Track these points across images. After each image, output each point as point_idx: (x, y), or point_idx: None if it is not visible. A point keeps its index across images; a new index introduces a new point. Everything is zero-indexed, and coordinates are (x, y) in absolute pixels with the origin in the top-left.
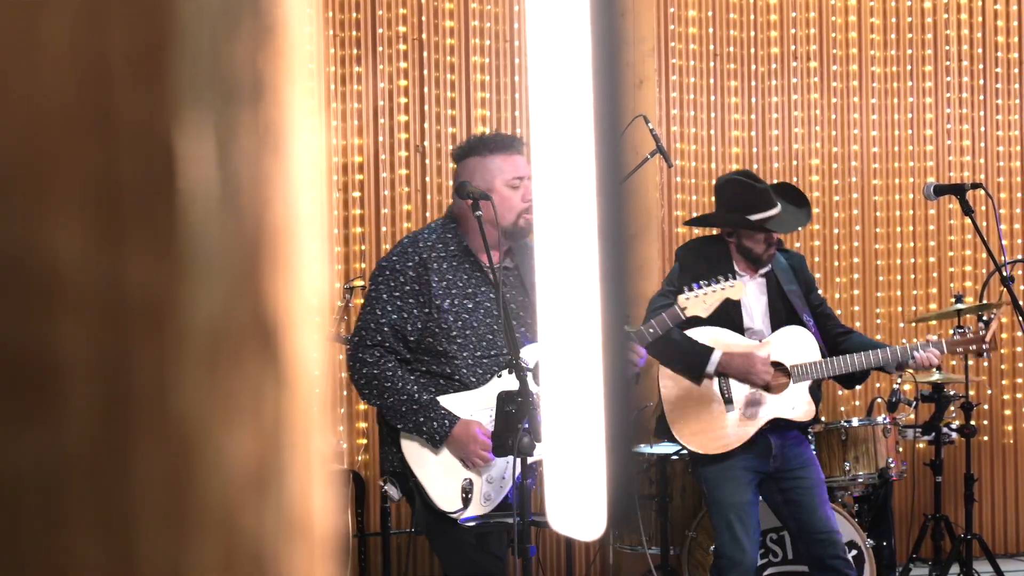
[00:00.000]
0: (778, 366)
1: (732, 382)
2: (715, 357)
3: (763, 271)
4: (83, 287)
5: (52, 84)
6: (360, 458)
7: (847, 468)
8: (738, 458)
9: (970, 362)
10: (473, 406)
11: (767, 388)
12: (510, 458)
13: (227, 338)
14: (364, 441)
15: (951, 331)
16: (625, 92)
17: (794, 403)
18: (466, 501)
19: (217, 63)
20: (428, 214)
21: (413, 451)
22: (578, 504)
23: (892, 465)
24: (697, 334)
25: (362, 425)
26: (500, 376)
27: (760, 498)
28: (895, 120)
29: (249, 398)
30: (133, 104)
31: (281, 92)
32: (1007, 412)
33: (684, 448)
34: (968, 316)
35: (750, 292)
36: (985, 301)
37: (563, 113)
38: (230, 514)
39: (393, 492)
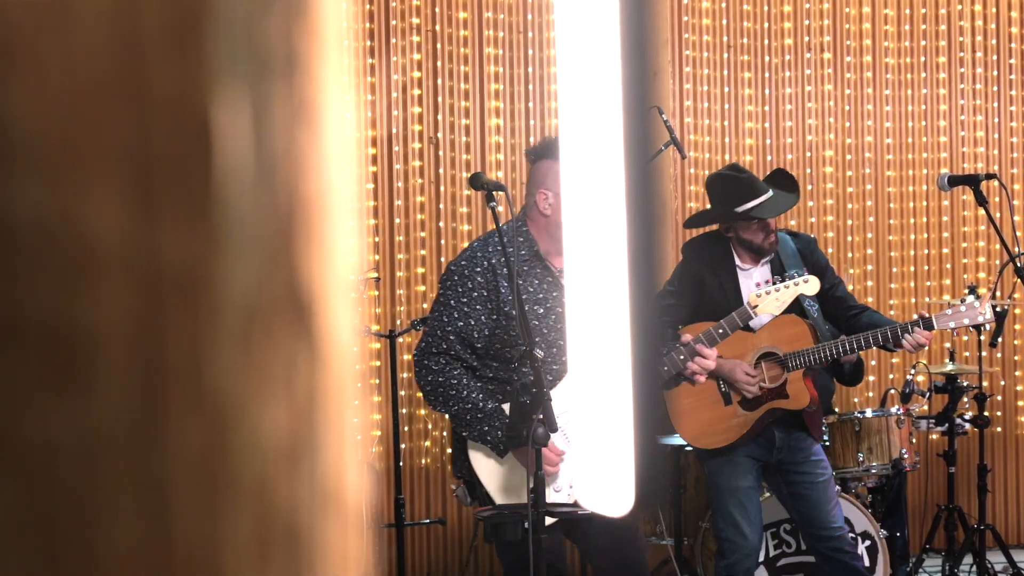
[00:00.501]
0: (771, 356)
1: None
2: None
3: (766, 259)
4: (119, 259)
5: (87, 55)
6: (374, 450)
7: (860, 459)
8: (741, 448)
9: (983, 353)
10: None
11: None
12: (574, 466)
13: (261, 311)
14: (378, 433)
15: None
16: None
17: (792, 393)
18: None
19: (251, 36)
20: (441, 206)
21: (480, 460)
22: (607, 481)
23: (905, 456)
24: (694, 329)
25: (376, 417)
26: (563, 384)
27: (766, 489)
28: (909, 112)
29: (283, 371)
30: (168, 75)
31: (315, 67)
32: (1020, 403)
33: (690, 446)
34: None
35: (753, 281)
36: (999, 292)
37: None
38: (264, 487)
39: (463, 495)
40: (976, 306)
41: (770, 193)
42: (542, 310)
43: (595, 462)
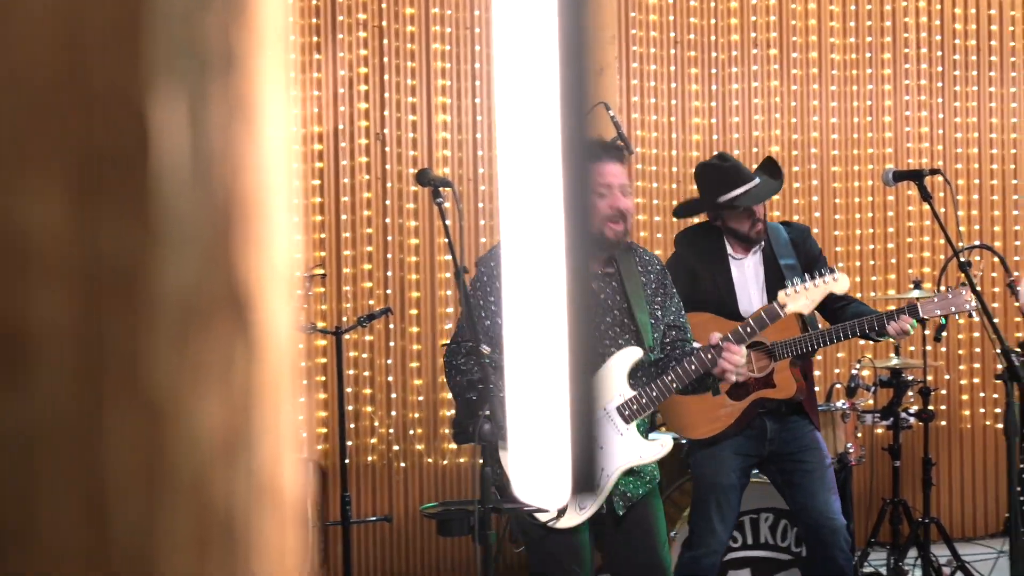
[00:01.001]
0: (759, 346)
1: None
2: None
3: (756, 248)
4: (58, 254)
5: (28, 52)
6: (320, 448)
7: None
8: (729, 441)
9: (928, 348)
10: None
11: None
12: (603, 468)
13: (199, 307)
14: (324, 430)
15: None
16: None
17: (778, 382)
18: (561, 510)
19: (190, 34)
20: (388, 202)
21: (509, 463)
22: (542, 474)
23: (851, 450)
24: (694, 319)
25: (322, 414)
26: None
27: (744, 483)
28: (854, 107)
29: (220, 367)
30: (108, 72)
31: (253, 64)
32: (964, 397)
33: (680, 438)
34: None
35: (746, 271)
36: (943, 287)
37: (529, 102)
38: (201, 480)
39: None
40: (963, 294)
41: (756, 181)
42: None
43: (531, 454)
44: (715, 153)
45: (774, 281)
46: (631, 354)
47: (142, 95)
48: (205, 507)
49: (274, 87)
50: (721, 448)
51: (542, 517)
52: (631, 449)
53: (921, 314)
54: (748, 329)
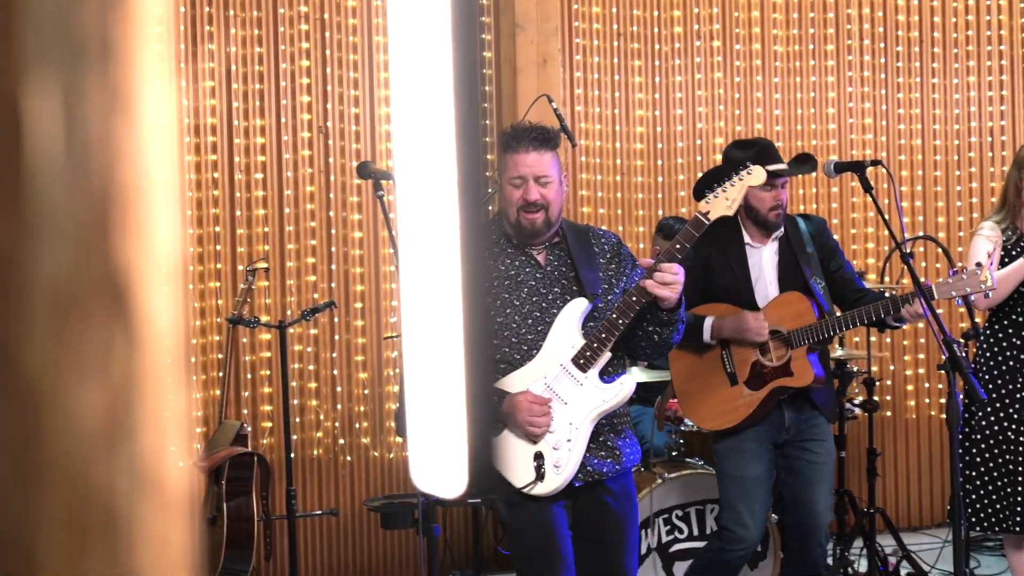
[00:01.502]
0: (776, 334)
1: (734, 356)
2: (707, 324)
3: (774, 237)
4: None
5: None
6: (265, 441)
7: None
8: (751, 431)
9: (872, 338)
10: (527, 379)
11: (763, 351)
12: (571, 422)
13: (75, 296)
14: (269, 424)
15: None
16: (528, 71)
17: (796, 370)
18: (540, 473)
19: (64, 24)
20: (331, 195)
21: None
22: (440, 464)
23: None
24: (704, 310)
25: (267, 408)
26: (543, 348)
27: (772, 473)
28: (798, 99)
29: (98, 356)
30: None
31: (131, 54)
32: (909, 387)
33: (700, 428)
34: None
35: (763, 259)
36: (887, 278)
37: (425, 101)
38: (79, 470)
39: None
40: (977, 273)
41: (783, 165)
42: (512, 284)
43: (429, 446)
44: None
45: (791, 270)
46: (577, 305)
47: (13, 84)
48: (84, 497)
49: (153, 77)
50: (743, 439)
51: (518, 484)
52: (593, 395)
53: (937, 295)
54: (678, 246)
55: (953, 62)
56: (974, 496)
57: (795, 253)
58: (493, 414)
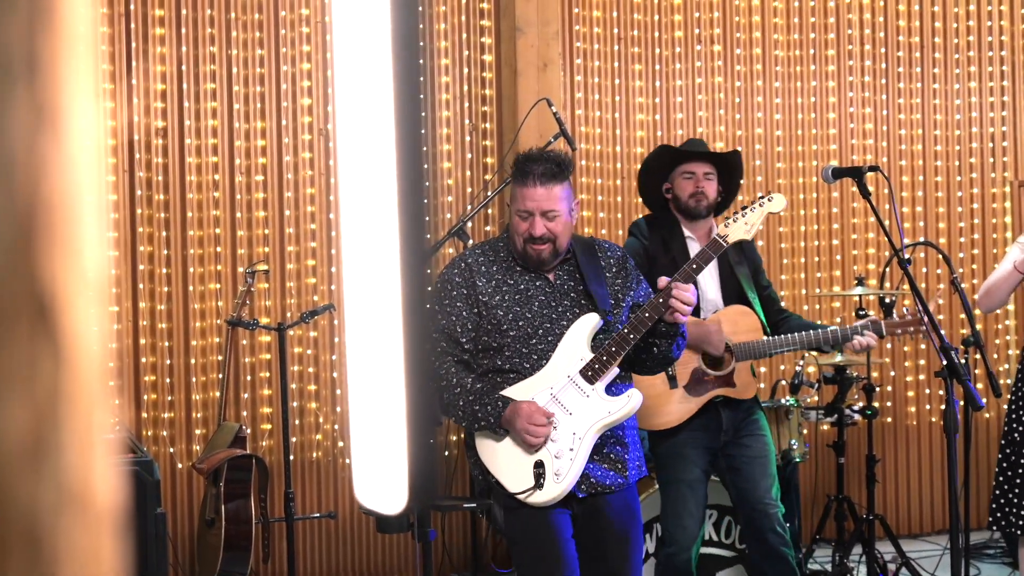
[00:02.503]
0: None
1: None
2: None
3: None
4: None
5: None
6: (264, 444)
7: None
8: (686, 434)
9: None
10: (533, 389)
11: (714, 365)
12: (575, 432)
13: (0, 312)
14: (268, 426)
15: (885, 315)
16: (529, 75)
17: (739, 383)
18: (539, 482)
19: None
20: (332, 197)
21: (485, 448)
22: (383, 480)
23: (795, 446)
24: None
25: (266, 410)
26: (552, 359)
27: (708, 475)
28: (798, 104)
29: (23, 372)
30: None
31: (57, 70)
32: (909, 394)
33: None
34: (872, 298)
35: (703, 271)
36: (887, 284)
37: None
38: (2, 487)
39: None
40: (918, 316)
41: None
42: (521, 298)
43: (370, 461)
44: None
45: (730, 283)
46: (588, 320)
47: None
48: (7, 515)
49: (82, 93)
50: (680, 443)
51: (515, 490)
52: (598, 407)
53: (884, 333)
54: (694, 266)
55: (954, 68)
56: (1011, 497)
57: (732, 268)
58: (433, 431)
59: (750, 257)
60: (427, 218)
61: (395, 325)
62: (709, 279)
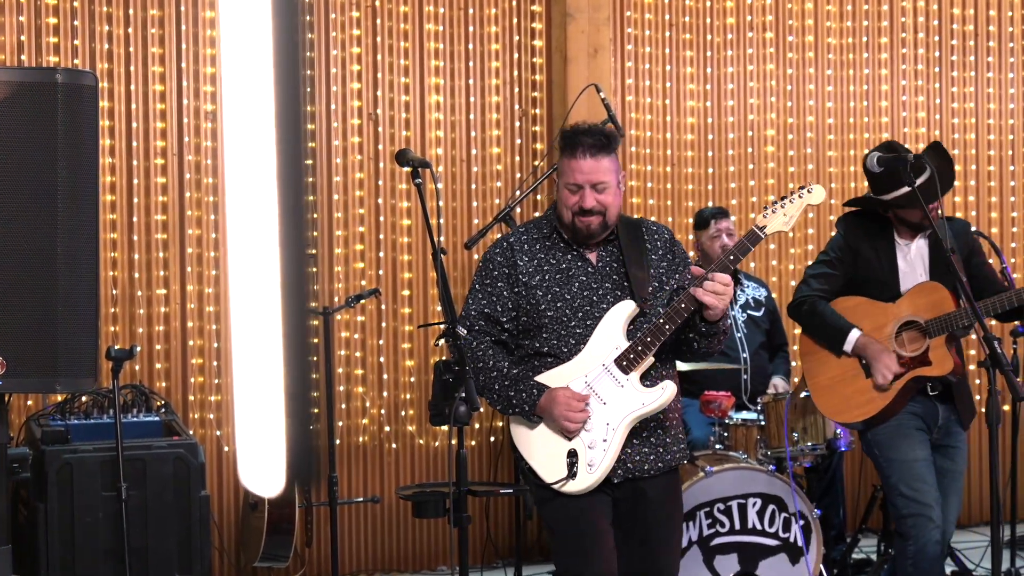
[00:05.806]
0: (913, 325)
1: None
2: (852, 338)
3: (923, 234)
4: None
5: None
6: (310, 427)
7: (795, 438)
8: (906, 415)
9: None
10: (568, 376)
11: (899, 342)
12: (608, 423)
13: None
14: (315, 411)
15: None
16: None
17: (934, 359)
18: (572, 471)
19: None
20: (380, 182)
21: (520, 435)
22: (263, 463)
23: (840, 435)
24: (841, 303)
25: (312, 395)
26: (587, 346)
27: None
28: (850, 91)
29: None
30: None
31: None
32: None
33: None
34: None
35: (911, 255)
36: None
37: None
38: None
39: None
40: None
41: (927, 173)
42: (563, 278)
43: (251, 446)
44: (883, 142)
45: (940, 266)
46: (624, 307)
47: None
48: None
49: None
50: (901, 423)
51: (549, 480)
52: (633, 398)
53: None
54: (732, 257)
55: (1008, 55)
56: None
57: (943, 249)
58: (310, 415)
59: (964, 241)
60: (313, 215)
61: (274, 314)
62: (917, 265)
